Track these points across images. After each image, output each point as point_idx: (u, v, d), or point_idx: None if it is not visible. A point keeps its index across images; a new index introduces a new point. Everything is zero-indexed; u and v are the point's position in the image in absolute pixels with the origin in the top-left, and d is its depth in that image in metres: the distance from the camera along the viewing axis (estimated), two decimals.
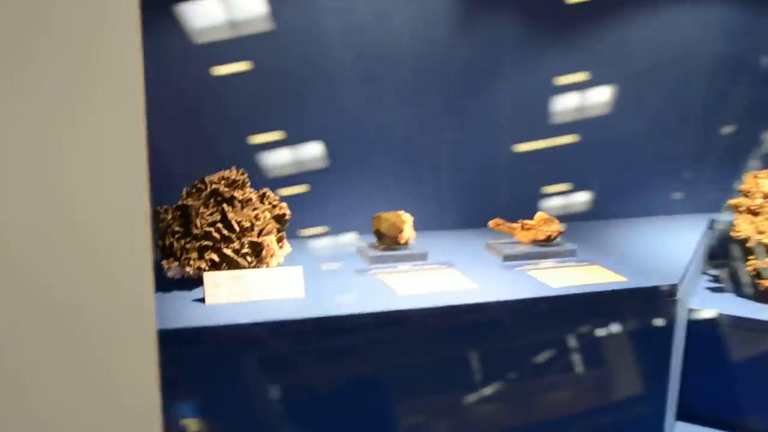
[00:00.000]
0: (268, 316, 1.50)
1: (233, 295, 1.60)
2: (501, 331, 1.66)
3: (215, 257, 1.66)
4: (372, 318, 1.54)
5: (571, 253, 1.98)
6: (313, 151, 2.11)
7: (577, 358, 1.77)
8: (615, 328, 1.76)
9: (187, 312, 1.53)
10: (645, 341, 1.79)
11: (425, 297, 1.63)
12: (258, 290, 1.62)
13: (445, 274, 1.80)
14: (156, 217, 1.70)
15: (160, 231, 1.70)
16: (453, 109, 2.23)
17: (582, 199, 2.35)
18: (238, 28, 1.95)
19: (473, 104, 2.24)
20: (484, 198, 2.28)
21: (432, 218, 2.22)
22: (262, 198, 1.80)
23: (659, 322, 1.78)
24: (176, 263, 1.66)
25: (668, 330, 1.80)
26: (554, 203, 2.26)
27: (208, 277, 1.60)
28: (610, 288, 1.74)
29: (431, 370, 1.62)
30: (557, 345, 1.71)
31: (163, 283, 1.67)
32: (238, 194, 1.73)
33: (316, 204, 2.13)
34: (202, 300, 1.59)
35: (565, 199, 2.32)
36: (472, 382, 1.64)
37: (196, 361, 1.47)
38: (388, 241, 1.93)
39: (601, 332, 1.75)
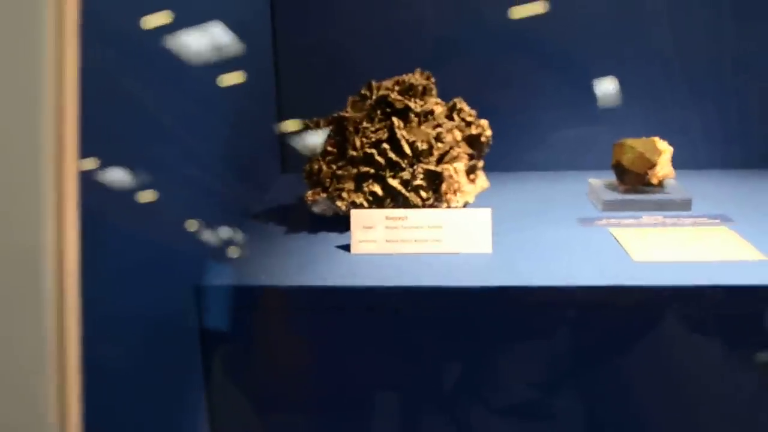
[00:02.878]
0: (427, 279, 1.04)
1: (388, 245, 1.15)
2: None
3: (377, 189, 1.21)
4: (582, 294, 1.01)
5: None
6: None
7: None
8: None
9: (323, 263, 1.10)
10: None
11: (676, 268, 1.05)
12: (428, 239, 1.15)
13: (715, 235, 1.19)
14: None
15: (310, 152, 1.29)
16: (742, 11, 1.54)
17: None
18: None
19: None
20: None
21: (703, 153, 1.57)
22: (452, 112, 1.31)
23: None
24: (323, 195, 1.24)
25: None
26: None
27: (357, 216, 1.16)
28: None
29: (674, 383, 1.05)
30: None
31: (306, 222, 1.27)
32: (415, 105, 1.25)
33: (542, 132, 1.59)
34: (348, 247, 1.16)
35: None
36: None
37: (322, 331, 1.06)
38: (632, 180, 1.34)
39: None
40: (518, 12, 1.50)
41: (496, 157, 1.50)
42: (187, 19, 1.02)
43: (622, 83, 1.54)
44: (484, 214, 1.15)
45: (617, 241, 1.17)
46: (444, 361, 1.06)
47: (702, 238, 1.18)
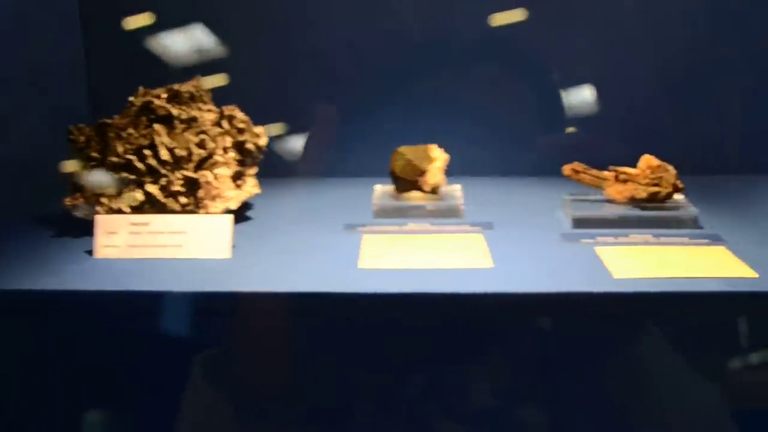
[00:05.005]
0: (142, 284, 1.05)
1: (132, 249, 1.16)
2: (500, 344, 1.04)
3: (138, 195, 1.23)
4: (284, 300, 1.02)
5: (692, 223, 1.25)
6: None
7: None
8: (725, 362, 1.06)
9: (63, 268, 1.12)
10: None
11: (394, 275, 1.06)
12: (169, 244, 1.16)
13: (459, 244, 1.19)
14: (67, 138, 1.30)
15: (73, 158, 1.31)
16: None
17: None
18: None
19: None
20: (583, 138, 1.58)
21: (493, 160, 1.58)
22: (222, 119, 1.32)
23: None
24: (82, 200, 1.26)
25: None
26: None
27: (101, 221, 1.18)
28: (729, 289, 1.01)
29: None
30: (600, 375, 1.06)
31: (71, 226, 1.27)
32: (179, 111, 1.27)
33: (360, 138, 1.60)
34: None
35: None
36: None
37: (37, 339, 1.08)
38: (404, 187, 1.35)
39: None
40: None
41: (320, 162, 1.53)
42: None
43: (434, 92, 1.56)
44: (224, 220, 1.17)
45: (360, 247, 1.18)
46: (158, 364, 1.08)
47: (449, 245, 1.19)
